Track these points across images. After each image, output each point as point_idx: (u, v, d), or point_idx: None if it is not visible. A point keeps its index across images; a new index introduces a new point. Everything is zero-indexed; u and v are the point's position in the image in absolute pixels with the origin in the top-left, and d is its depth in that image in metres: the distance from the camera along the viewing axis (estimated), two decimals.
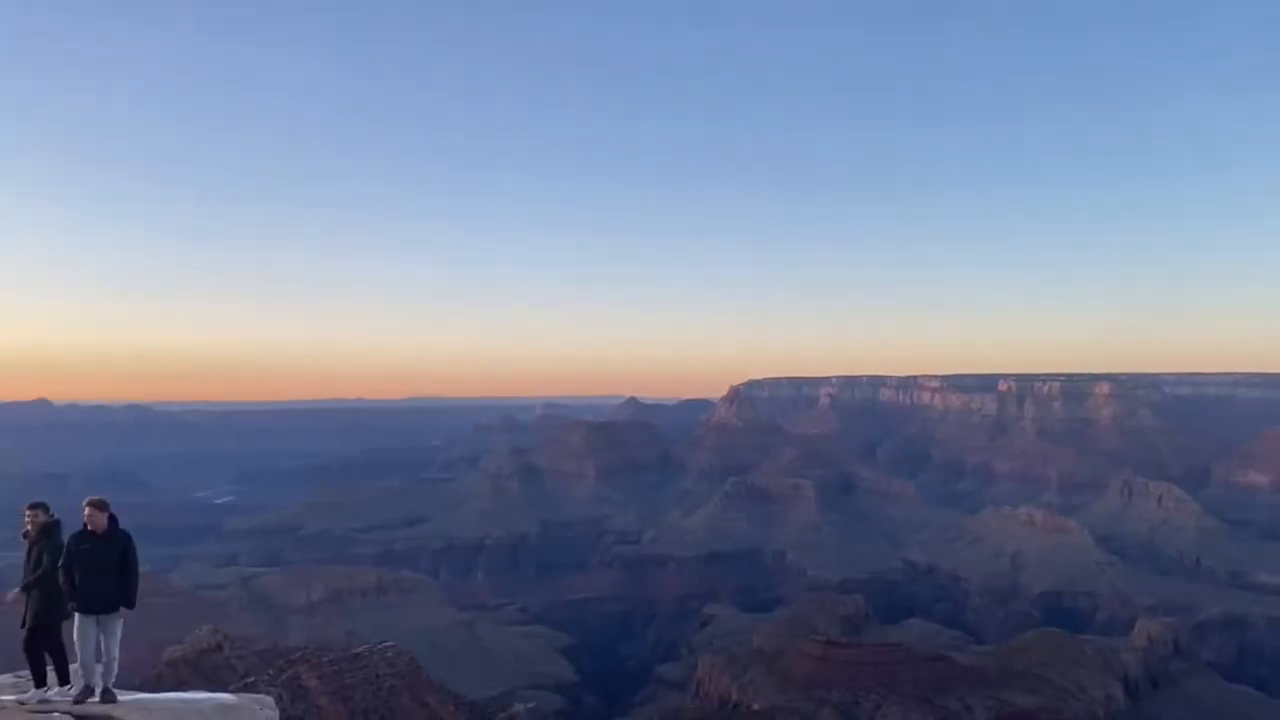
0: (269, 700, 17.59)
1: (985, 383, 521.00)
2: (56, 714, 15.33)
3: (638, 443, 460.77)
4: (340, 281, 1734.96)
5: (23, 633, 16.47)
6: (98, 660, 16.21)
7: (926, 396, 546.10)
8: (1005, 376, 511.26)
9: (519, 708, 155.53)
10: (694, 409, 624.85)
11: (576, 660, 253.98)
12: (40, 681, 16.55)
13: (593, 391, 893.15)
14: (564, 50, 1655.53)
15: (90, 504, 16.28)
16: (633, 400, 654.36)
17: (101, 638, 16.20)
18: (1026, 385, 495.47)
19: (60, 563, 16.01)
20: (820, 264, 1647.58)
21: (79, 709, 15.61)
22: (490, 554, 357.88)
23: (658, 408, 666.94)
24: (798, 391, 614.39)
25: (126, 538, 16.50)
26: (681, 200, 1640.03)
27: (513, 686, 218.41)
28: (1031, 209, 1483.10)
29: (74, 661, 16.69)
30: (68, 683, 16.57)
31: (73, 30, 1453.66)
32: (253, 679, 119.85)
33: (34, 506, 16.56)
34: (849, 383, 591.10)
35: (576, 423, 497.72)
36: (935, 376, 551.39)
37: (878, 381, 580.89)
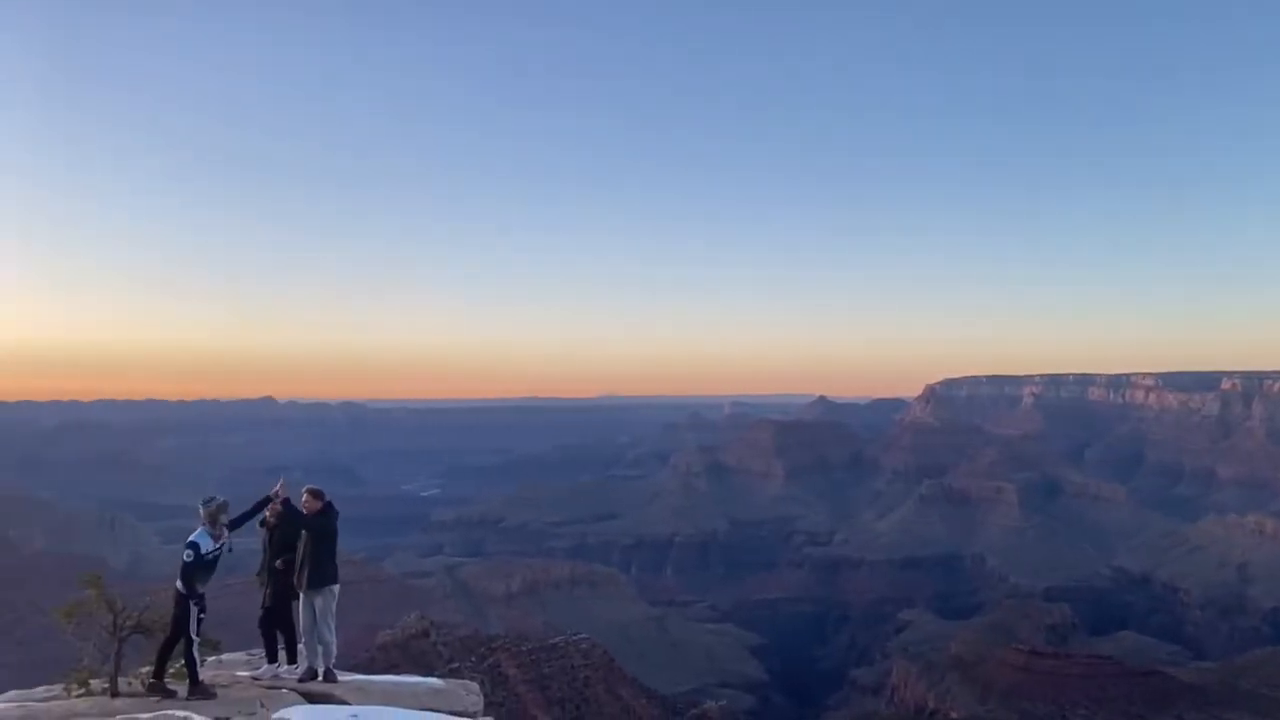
0: (474, 686, 18.12)
1: (1204, 380, 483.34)
2: (285, 690, 16.30)
3: (828, 442, 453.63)
4: (536, 283, 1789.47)
5: (257, 613, 17.68)
6: (318, 642, 17.19)
7: (1140, 395, 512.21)
8: (1229, 374, 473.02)
9: (710, 705, 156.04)
10: (886, 408, 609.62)
11: (766, 660, 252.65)
12: (272, 658, 17.70)
13: (781, 390, 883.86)
14: (780, 46, 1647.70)
15: (308, 491, 17.41)
16: (822, 399, 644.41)
17: (316, 619, 17.17)
18: (1254, 383, 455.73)
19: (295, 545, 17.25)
20: (1020, 258, 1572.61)
21: (304, 687, 16.55)
22: (680, 551, 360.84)
23: (848, 407, 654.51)
24: (998, 390, 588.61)
25: (333, 518, 17.62)
26: (871, 195, 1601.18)
27: (703, 683, 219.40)
28: (1256, 192, 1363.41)
29: (300, 641, 17.76)
30: (295, 661, 17.64)
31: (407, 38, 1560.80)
32: (456, 665, 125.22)
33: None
34: (1054, 381, 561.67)
35: (765, 421, 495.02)
36: (1150, 374, 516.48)
37: (1086, 380, 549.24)
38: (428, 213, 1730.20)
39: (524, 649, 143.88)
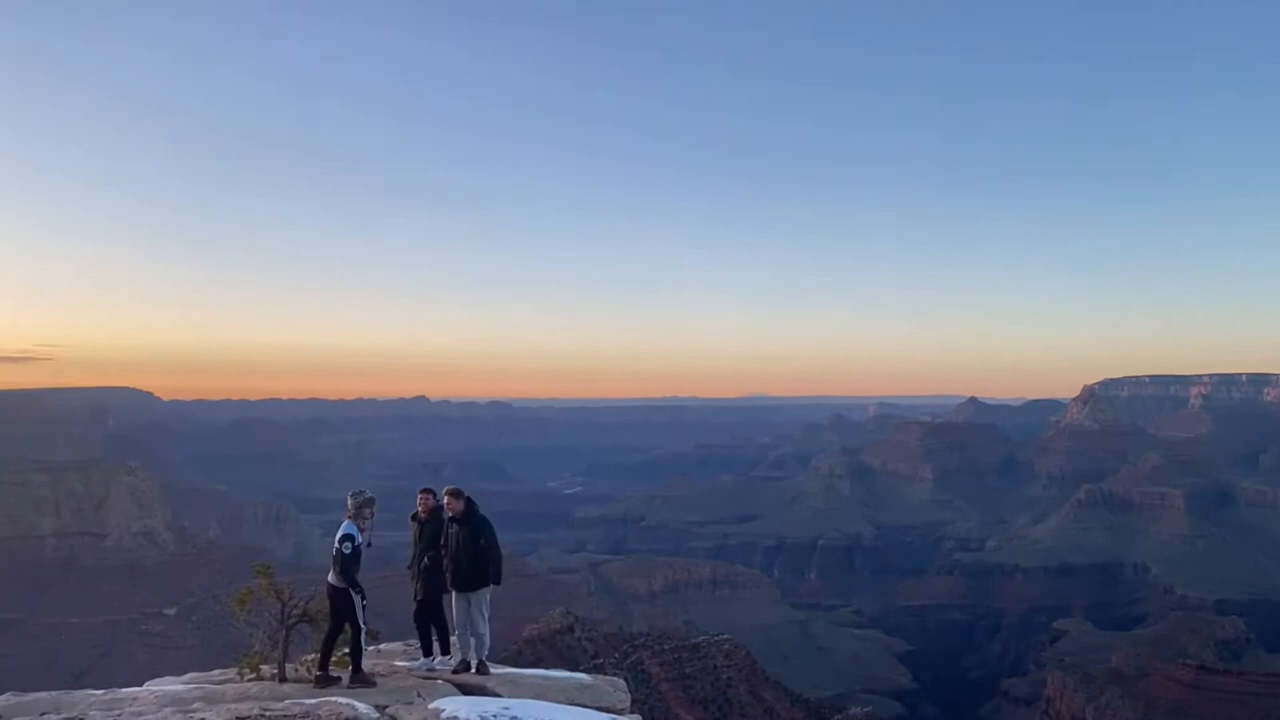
0: (621, 683, 18.20)
1: None
2: (440, 681, 16.76)
3: (979, 445, 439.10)
4: (679, 285, 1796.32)
5: (411, 605, 18.18)
6: (471, 634, 17.55)
7: None
8: None
9: (856, 711, 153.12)
10: (1041, 410, 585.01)
11: (914, 667, 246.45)
12: (427, 651, 18.20)
13: (929, 391, 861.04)
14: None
15: (448, 492, 17.69)
16: (973, 400, 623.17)
17: (470, 614, 17.53)
18: None
19: (441, 542, 17.56)
20: (1186, 251, 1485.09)
21: (457, 678, 16.96)
22: (824, 554, 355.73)
23: (1001, 408, 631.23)
24: (1163, 391, 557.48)
25: (481, 522, 17.66)
26: (1025, 187, 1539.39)
27: (848, 689, 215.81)
28: None
29: (454, 634, 18.20)
30: (448, 653, 18.11)
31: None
32: (600, 660, 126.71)
33: (424, 491, 18.20)
34: (1225, 381, 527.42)
35: (912, 423, 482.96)
36: None
37: (1261, 380, 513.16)
38: (566, 217, 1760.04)
39: (666, 647, 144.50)
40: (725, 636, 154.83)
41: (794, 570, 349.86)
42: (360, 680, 16.08)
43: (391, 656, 19.52)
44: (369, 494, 16.98)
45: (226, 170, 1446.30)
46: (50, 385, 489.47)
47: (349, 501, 16.65)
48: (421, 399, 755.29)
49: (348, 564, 16.36)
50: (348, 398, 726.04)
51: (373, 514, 16.90)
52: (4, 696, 15.69)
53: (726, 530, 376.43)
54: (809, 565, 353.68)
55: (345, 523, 16.54)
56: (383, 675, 17.06)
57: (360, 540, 16.50)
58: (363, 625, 16.44)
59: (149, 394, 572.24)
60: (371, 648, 18.99)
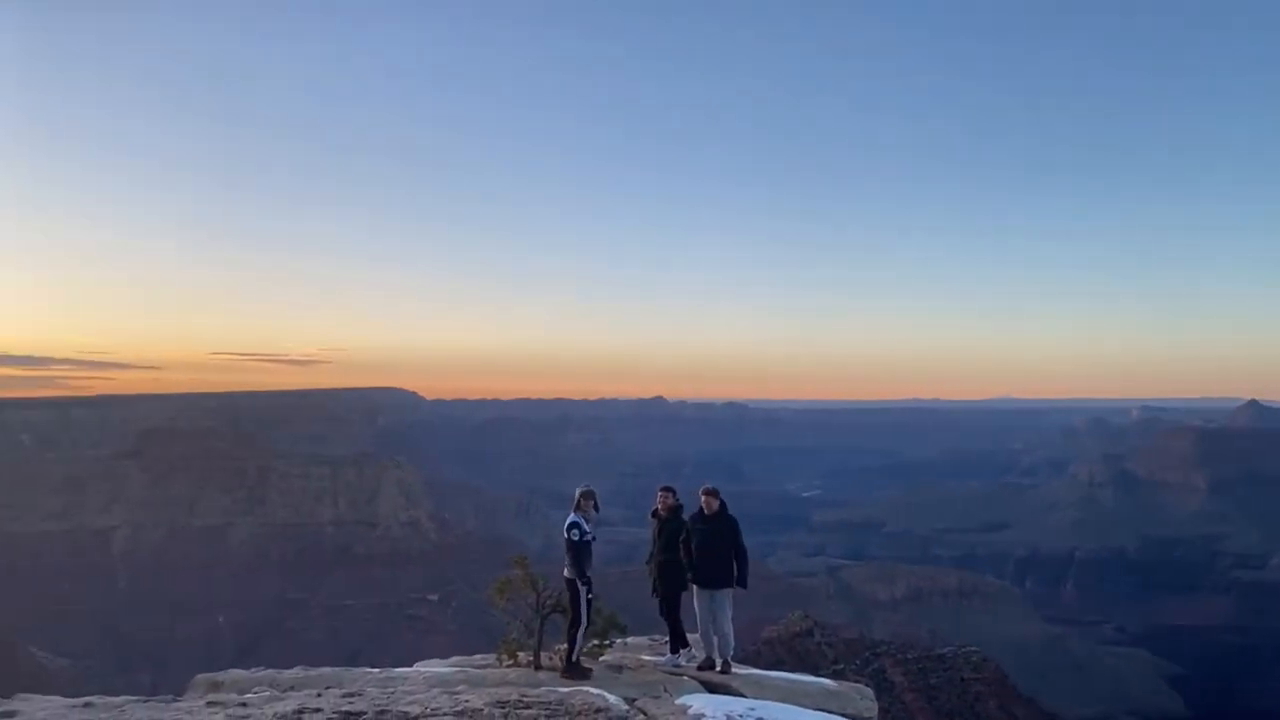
0: (868, 691, 17.78)
1: None
2: (685, 677, 16.98)
3: (1262, 452, 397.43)
4: (926, 283, 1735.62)
5: (651, 600, 18.47)
6: (715, 633, 17.65)
7: None
8: None
9: None
10: None
11: (1186, 692, 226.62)
12: (674, 646, 18.44)
13: (1200, 393, 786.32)
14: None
15: (705, 491, 17.85)
16: (1253, 403, 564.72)
17: (714, 612, 17.62)
18: None
19: (680, 539, 17.73)
20: None
21: (703, 675, 17.12)
22: (1081, 567, 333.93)
23: None
24: None
25: (733, 523, 17.64)
26: None
27: (1109, 711, 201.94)
28: None
29: (693, 632, 18.37)
30: (685, 647, 18.31)
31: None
32: (840, 666, 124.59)
33: (665, 489, 18.46)
34: None
35: (1183, 428, 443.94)
36: None
37: None
38: (822, 212, 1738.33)
39: (910, 656, 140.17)
40: (973, 648, 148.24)
41: (1048, 583, 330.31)
42: (574, 671, 16.41)
43: (638, 650, 19.94)
44: (589, 487, 17.32)
45: (480, 184, 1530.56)
46: (330, 386, 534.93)
47: (576, 494, 17.14)
48: (659, 399, 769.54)
49: (576, 551, 16.77)
50: (591, 398, 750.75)
51: (594, 507, 17.20)
52: (295, 670, 17.33)
53: (974, 539, 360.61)
54: (1065, 578, 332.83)
55: (571, 514, 17.00)
56: (630, 669, 17.49)
57: (588, 530, 16.87)
58: (584, 619, 16.77)
59: (414, 394, 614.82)
60: (619, 640, 19.47)
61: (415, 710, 12.79)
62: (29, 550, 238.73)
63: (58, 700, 14.19)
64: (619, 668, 17.30)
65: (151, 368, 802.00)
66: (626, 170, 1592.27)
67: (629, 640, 20.48)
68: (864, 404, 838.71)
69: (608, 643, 18.76)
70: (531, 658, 17.61)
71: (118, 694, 15.21)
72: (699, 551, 17.45)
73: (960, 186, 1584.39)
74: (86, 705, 13.75)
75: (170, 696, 15.14)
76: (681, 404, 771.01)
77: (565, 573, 17.08)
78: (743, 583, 17.62)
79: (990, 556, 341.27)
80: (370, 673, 17.08)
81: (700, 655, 18.02)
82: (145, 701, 14.17)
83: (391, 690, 14.81)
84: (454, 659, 19.12)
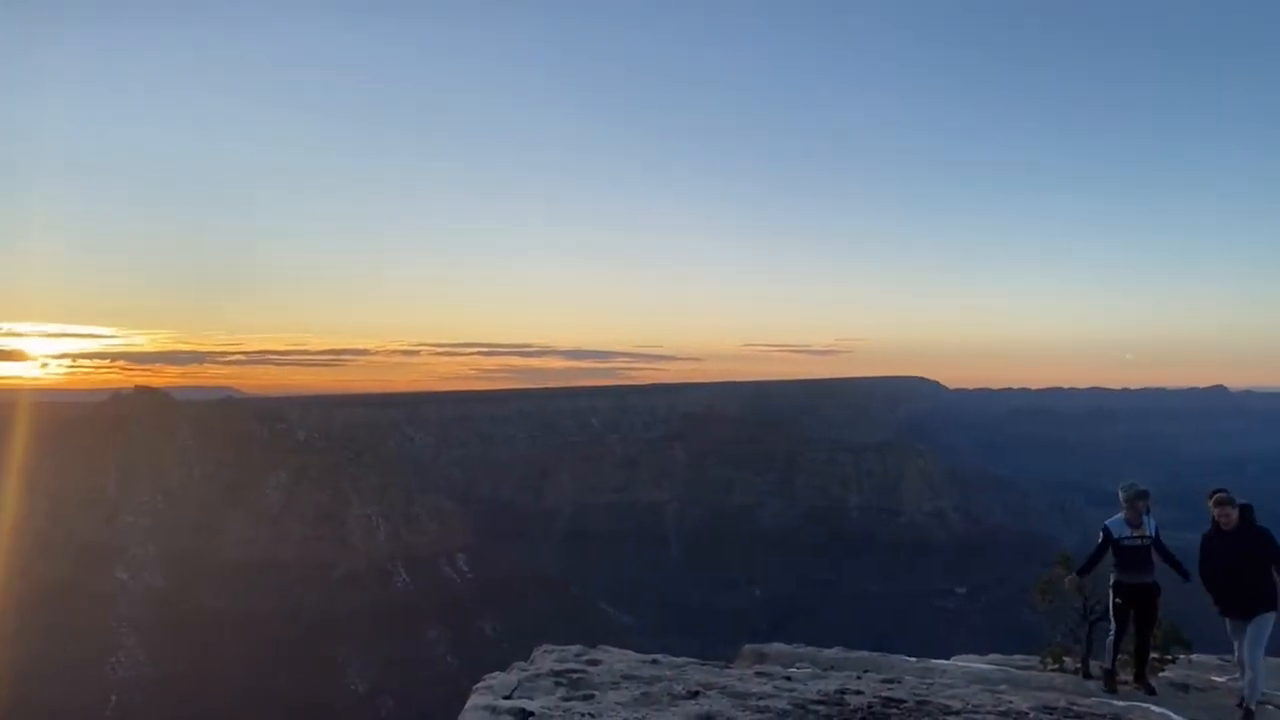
0: None
1: None
2: (1271, 706, 14.62)
3: None
4: None
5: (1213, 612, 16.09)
6: (1248, 668, 14.74)
7: None
8: None
9: None
10: None
11: None
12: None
13: None
14: None
15: (1217, 500, 14.74)
16: None
17: (1240, 644, 14.67)
18: None
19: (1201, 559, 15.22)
20: None
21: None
22: None
23: None
24: None
25: (1263, 534, 14.49)
26: None
27: None
28: None
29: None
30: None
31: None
32: None
33: (1216, 493, 15.90)
34: None
35: None
36: None
37: None
38: None
39: None
40: None
41: None
42: (1110, 682, 15.12)
43: (1205, 670, 17.81)
44: (1141, 487, 15.45)
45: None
46: (850, 375, 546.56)
47: (1120, 495, 15.48)
48: (1219, 388, 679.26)
49: (1093, 553, 15.52)
50: (1132, 386, 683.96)
51: (1146, 509, 15.32)
52: (834, 650, 17.95)
53: None
54: None
55: (1116, 515, 15.43)
56: (1199, 690, 15.62)
57: (1120, 534, 15.16)
58: (1112, 625, 15.26)
59: (935, 383, 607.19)
60: (1182, 657, 17.56)
61: (956, 705, 12.58)
62: (598, 519, 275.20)
63: (631, 655, 16.09)
64: (1185, 687, 15.51)
65: (693, 359, 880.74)
66: None
67: (1194, 658, 18.28)
68: None
69: (1170, 658, 16.92)
70: (1079, 664, 16.48)
71: (673, 654, 16.89)
72: (1222, 575, 14.65)
73: None
74: (653, 662, 15.43)
75: (722, 663, 16.48)
76: (1247, 394, 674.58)
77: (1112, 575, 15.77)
78: (1267, 606, 14.36)
79: None
80: (907, 661, 17.16)
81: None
82: (702, 665, 15.57)
83: (930, 681, 14.73)
84: (992, 656, 18.52)
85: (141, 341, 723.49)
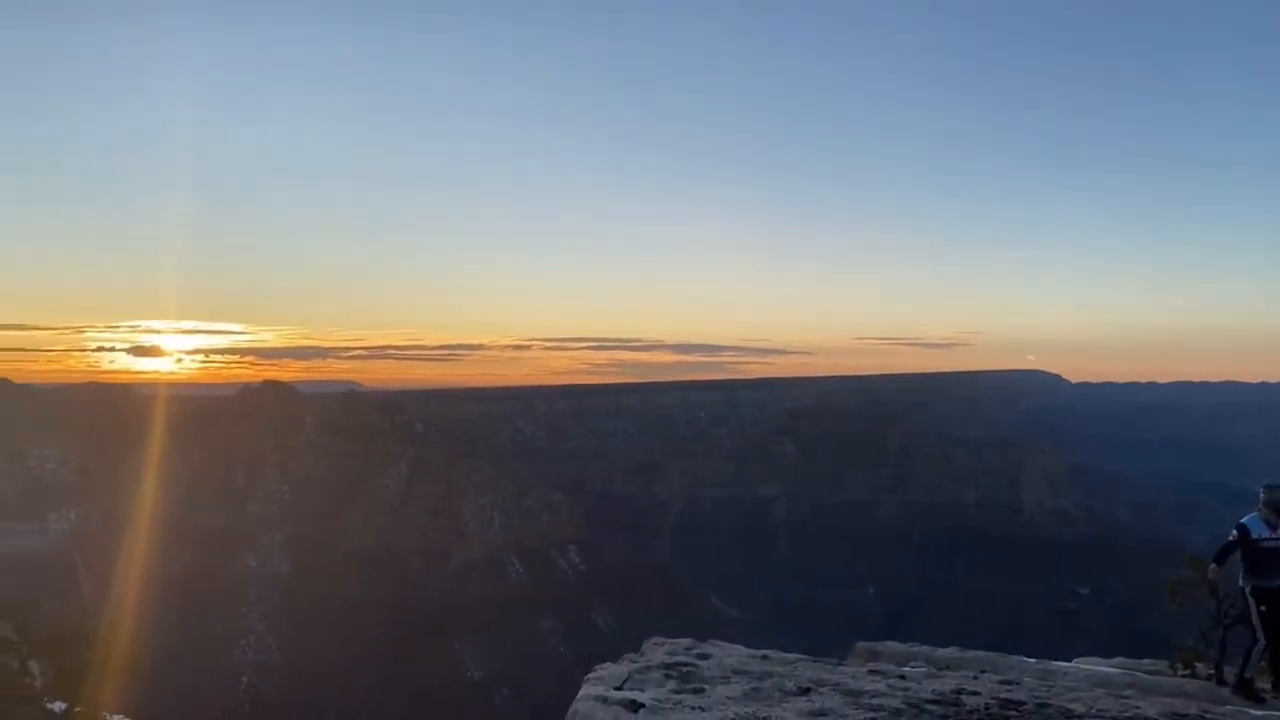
0: None
1: None
2: None
3: None
4: None
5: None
6: None
7: None
8: None
9: None
10: None
11: None
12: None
13: None
14: None
15: (1270, 496, 14.39)
16: None
17: None
18: None
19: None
20: None
21: None
22: None
23: None
24: None
25: None
26: None
27: None
28: None
29: None
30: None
31: None
32: None
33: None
34: None
35: None
36: None
37: None
38: None
39: None
40: None
41: None
42: (1245, 690, 14.18)
43: None
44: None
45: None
46: (968, 369, 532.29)
47: (1261, 494, 14.66)
48: None
49: (1221, 550, 14.78)
50: (1270, 381, 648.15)
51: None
52: (950, 649, 17.59)
53: None
54: None
55: (1252, 514, 14.64)
56: None
57: (1259, 534, 14.35)
58: (1259, 633, 14.30)
59: (1057, 376, 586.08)
60: None
61: (1079, 709, 12.18)
62: (707, 513, 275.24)
63: (741, 650, 16.04)
64: (1261, 689, 14.66)
65: (803, 353, 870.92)
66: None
67: None
68: None
69: None
70: (1212, 670, 15.74)
71: (782, 650, 16.76)
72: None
73: None
74: (764, 657, 15.36)
75: (835, 660, 16.30)
76: None
77: (1240, 581, 14.99)
78: None
79: None
80: (1026, 662, 16.67)
81: None
82: (814, 661, 15.42)
83: (1051, 684, 14.28)
84: (1117, 660, 17.85)
85: (269, 338, 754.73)
